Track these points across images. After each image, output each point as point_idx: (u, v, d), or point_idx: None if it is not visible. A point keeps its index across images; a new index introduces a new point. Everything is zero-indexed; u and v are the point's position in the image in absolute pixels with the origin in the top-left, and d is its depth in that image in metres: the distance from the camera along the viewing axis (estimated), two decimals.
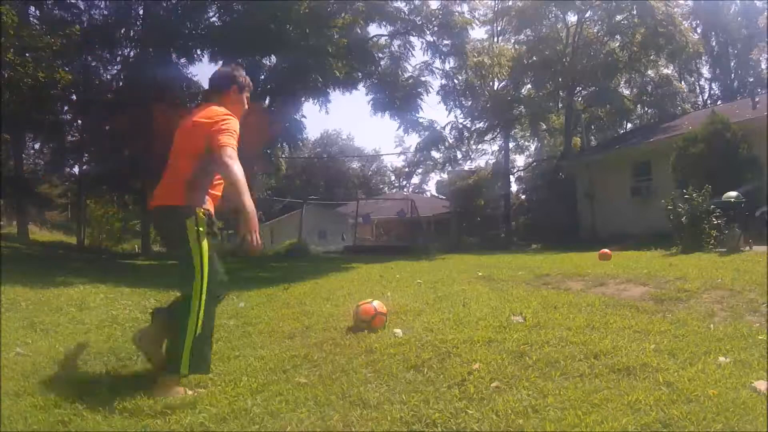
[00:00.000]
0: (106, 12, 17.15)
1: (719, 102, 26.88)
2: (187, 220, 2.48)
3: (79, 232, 18.09)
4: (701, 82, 31.96)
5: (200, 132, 2.53)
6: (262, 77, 17.09)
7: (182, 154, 2.62)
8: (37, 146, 20.30)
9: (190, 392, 2.40)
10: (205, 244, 2.51)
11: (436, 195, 39.43)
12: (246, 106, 2.91)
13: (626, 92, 26.85)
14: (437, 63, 20.86)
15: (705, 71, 31.55)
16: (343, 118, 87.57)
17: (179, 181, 2.55)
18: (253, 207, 2.38)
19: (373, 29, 18.80)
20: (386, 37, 19.40)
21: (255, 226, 2.35)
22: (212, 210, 2.63)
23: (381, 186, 50.50)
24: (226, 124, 2.52)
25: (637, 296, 4.26)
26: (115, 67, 17.83)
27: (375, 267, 9.02)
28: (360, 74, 17.78)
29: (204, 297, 2.46)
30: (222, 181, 2.63)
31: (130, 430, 2.02)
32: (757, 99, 14.81)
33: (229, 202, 2.56)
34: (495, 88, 24.24)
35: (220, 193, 2.71)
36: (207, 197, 2.61)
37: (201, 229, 2.49)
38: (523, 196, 29.79)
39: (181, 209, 2.50)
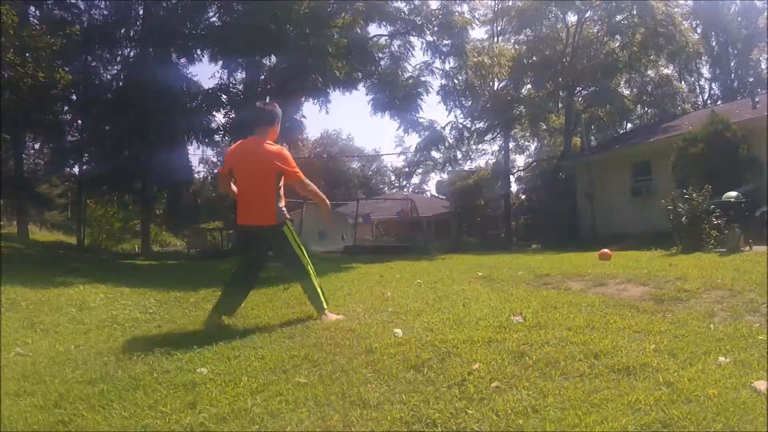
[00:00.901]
0: (106, 12, 17.17)
1: (719, 102, 26.89)
2: (285, 230, 3.81)
3: (79, 232, 18.09)
4: (701, 82, 32.01)
5: (272, 167, 3.71)
6: (262, 77, 17.12)
7: (264, 184, 3.73)
8: (37, 146, 20.31)
9: (335, 316, 3.81)
10: (298, 239, 3.92)
11: (436, 195, 39.41)
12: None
13: (626, 92, 26.85)
14: (437, 63, 20.91)
15: (705, 71, 31.59)
16: (343, 118, 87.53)
17: (272, 205, 3.73)
18: (324, 196, 3.98)
19: (373, 29, 18.84)
20: (386, 37, 19.41)
21: (326, 203, 4.02)
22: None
23: (381, 186, 50.46)
24: (290, 158, 3.79)
25: (637, 296, 4.26)
26: (115, 67, 17.85)
27: (375, 267, 9.02)
28: (360, 74, 17.78)
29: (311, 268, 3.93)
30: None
31: (130, 430, 2.02)
32: (757, 99, 14.81)
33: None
34: (495, 88, 24.24)
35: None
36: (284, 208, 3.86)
37: (293, 232, 3.89)
38: (523, 196, 29.80)
39: (280, 225, 3.78)
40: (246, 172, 3.80)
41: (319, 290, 3.91)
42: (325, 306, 3.89)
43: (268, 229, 3.79)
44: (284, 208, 3.84)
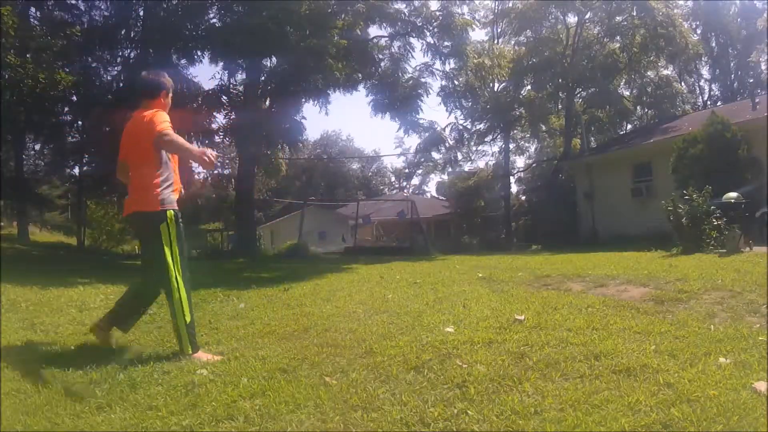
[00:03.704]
0: (106, 13, 17.18)
1: (719, 103, 26.89)
2: (161, 224, 2.93)
3: (80, 233, 18.08)
4: (701, 83, 32.04)
5: (148, 136, 2.93)
6: (263, 78, 17.11)
7: (144, 162, 2.98)
8: (37, 147, 20.30)
9: (214, 357, 2.89)
10: (174, 241, 2.96)
11: (437, 196, 39.45)
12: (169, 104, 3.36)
13: (626, 93, 26.89)
14: (437, 64, 20.89)
15: (705, 72, 31.62)
16: (343, 119, 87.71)
17: (150, 188, 2.94)
18: (196, 148, 3.00)
19: (374, 30, 18.83)
20: (386, 39, 19.40)
21: (202, 154, 2.90)
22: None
23: (381, 187, 50.54)
24: (157, 116, 2.99)
25: (638, 297, 4.26)
26: (116, 68, 17.84)
27: (375, 268, 9.02)
28: (360, 75, 17.77)
29: (182, 287, 2.95)
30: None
31: (130, 430, 2.01)
32: (756, 100, 14.81)
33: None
34: (495, 89, 24.27)
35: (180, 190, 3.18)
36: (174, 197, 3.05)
37: (172, 228, 2.95)
38: (523, 197, 29.82)
39: (156, 214, 2.94)
40: (127, 152, 3.11)
41: (183, 325, 2.93)
42: (189, 350, 2.92)
43: (143, 216, 2.98)
44: (172, 196, 3.03)
